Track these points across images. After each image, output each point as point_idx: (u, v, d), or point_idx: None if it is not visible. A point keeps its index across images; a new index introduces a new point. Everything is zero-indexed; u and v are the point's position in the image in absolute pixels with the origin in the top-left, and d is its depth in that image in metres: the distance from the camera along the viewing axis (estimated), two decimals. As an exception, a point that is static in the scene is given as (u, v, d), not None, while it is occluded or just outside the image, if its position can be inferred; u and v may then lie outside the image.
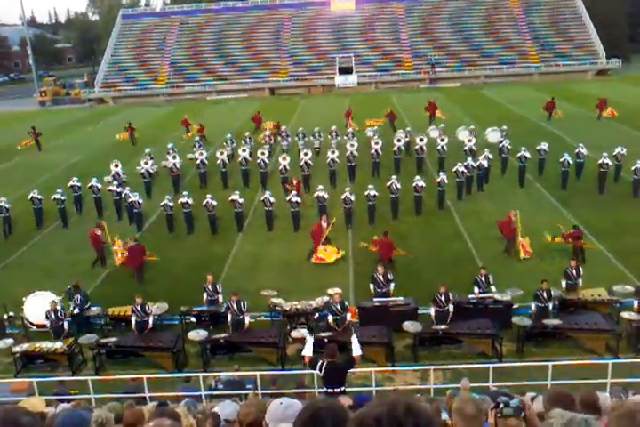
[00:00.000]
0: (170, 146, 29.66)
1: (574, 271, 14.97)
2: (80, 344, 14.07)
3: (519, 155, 24.68)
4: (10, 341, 14.08)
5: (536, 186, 24.74)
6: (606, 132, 32.73)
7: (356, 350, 9.92)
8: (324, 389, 9.61)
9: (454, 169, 23.29)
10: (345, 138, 29.79)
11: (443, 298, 13.93)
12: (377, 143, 27.28)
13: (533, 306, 14.07)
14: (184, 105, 56.03)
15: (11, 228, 22.65)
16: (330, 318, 13.84)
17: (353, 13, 66.67)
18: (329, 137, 30.69)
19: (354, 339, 10.18)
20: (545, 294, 13.90)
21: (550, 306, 14.01)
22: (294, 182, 23.78)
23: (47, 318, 14.42)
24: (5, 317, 15.19)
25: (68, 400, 9.84)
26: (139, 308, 14.31)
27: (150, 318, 14.35)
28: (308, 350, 10.04)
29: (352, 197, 21.01)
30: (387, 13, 66.91)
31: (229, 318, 14.22)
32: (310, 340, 10.29)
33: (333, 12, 66.75)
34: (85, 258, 20.07)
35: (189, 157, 27.90)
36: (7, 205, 22.52)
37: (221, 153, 27.09)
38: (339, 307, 13.79)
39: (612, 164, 23.28)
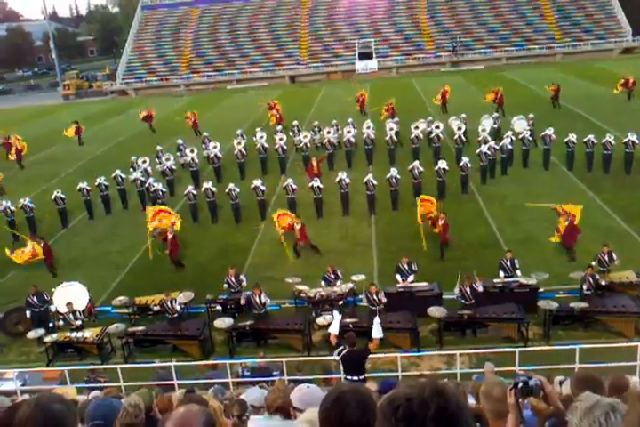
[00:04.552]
0: (180, 142, 29.23)
1: (606, 256, 14.74)
2: (109, 333, 14.30)
3: (543, 134, 24.02)
4: (42, 331, 14.35)
5: (561, 168, 24.31)
6: (634, 112, 32.04)
7: (377, 332, 9.90)
8: (344, 376, 9.67)
9: (477, 151, 22.99)
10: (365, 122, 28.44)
11: (468, 290, 13.82)
12: (392, 129, 26.45)
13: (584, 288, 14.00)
14: (204, 95, 56.12)
15: (36, 229, 21.88)
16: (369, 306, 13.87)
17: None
18: (345, 130, 27.75)
19: (376, 321, 10.16)
20: (591, 279, 13.85)
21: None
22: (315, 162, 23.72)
23: (64, 319, 14.50)
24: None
25: (100, 388, 10.03)
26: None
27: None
28: (334, 328, 10.07)
29: (374, 182, 20.78)
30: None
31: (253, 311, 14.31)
32: (338, 317, 10.29)
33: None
34: (111, 249, 20.35)
35: (203, 154, 27.37)
36: (31, 205, 21.85)
37: (238, 143, 26.58)
38: (375, 297, 13.78)
39: (638, 142, 22.62)
